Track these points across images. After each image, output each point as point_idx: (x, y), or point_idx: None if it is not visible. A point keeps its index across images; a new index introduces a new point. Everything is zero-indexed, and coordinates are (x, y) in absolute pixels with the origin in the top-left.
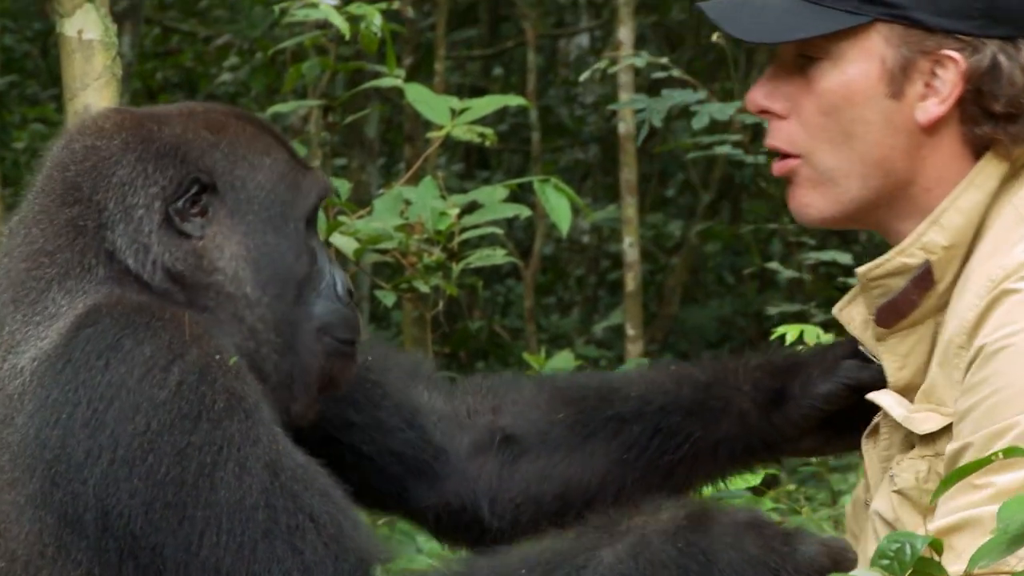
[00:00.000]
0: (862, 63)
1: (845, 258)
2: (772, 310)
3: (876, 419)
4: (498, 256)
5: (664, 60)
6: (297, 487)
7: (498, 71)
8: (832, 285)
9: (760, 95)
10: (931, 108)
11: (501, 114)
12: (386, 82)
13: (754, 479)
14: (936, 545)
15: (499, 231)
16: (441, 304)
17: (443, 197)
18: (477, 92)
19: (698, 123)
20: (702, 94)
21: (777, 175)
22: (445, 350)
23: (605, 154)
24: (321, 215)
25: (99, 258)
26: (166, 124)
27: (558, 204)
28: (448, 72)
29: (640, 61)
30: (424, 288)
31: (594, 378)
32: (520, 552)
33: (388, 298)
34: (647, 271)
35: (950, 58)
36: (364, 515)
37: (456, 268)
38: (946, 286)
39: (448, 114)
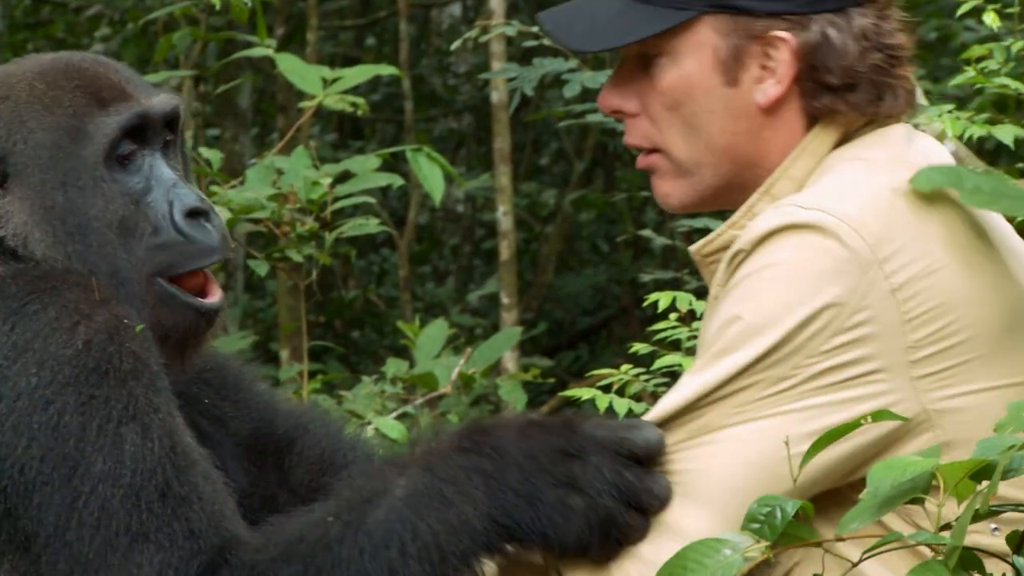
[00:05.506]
0: (695, 56)
1: (717, 225)
2: (646, 277)
3: None
4: (371, 225)
5: (535, 29)
6: (186, 463)
7: (371, 41)
8: None
9: (611, 96)
10: (768, 90)
11: (374, 84)
12: (257, 52)
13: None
14: (806, 508)
15: (372, 200)
16: (315, 274)
17: (316, 167)
18: (350, 62)
19: (570, 91)
20: (573, 63)
21: (640, 168)
22: (320, 319)
23: (478, 123)
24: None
25: None
26: None
27: (431, 173)
28: (320, 42)
29: (511, 30)
30: (297, 258)
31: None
32: (320, 504)
33: (261, 268)
34: (521, 239)
35: (780, 38)
36: None
37: (329, 237)
38: None
39: (320, 84)
